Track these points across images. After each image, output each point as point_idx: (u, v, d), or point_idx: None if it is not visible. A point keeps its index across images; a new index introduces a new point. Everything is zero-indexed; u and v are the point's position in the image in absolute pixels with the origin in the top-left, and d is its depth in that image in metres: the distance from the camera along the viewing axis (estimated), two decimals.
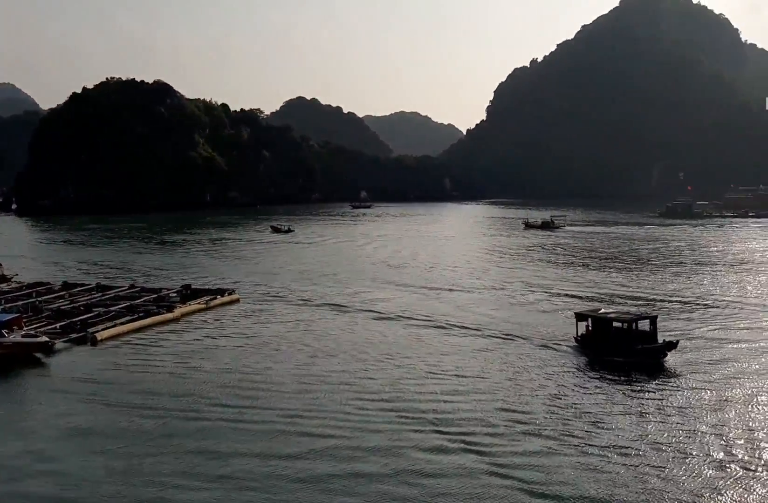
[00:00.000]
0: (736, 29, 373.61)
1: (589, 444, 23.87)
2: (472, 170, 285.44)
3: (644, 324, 35.06)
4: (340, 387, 30.24)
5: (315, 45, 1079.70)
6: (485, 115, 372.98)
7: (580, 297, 52.21)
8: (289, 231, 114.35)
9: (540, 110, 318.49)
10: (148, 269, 69.78)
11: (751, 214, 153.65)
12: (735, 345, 37.36)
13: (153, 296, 49.74)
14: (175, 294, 51.15)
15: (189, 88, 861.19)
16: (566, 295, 53.29)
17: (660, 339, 34.49)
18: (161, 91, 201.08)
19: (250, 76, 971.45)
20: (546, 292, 54.79)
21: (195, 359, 35.14)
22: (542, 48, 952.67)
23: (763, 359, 34.65)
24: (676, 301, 50.72)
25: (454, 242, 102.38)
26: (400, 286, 58.55)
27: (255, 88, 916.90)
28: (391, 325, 43.09)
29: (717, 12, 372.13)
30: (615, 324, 35.17)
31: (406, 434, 24.91)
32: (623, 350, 33.72)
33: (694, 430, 25.13)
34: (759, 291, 55.29)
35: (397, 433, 24.91)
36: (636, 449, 23.40)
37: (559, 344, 37.58)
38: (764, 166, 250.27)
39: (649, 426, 25.56)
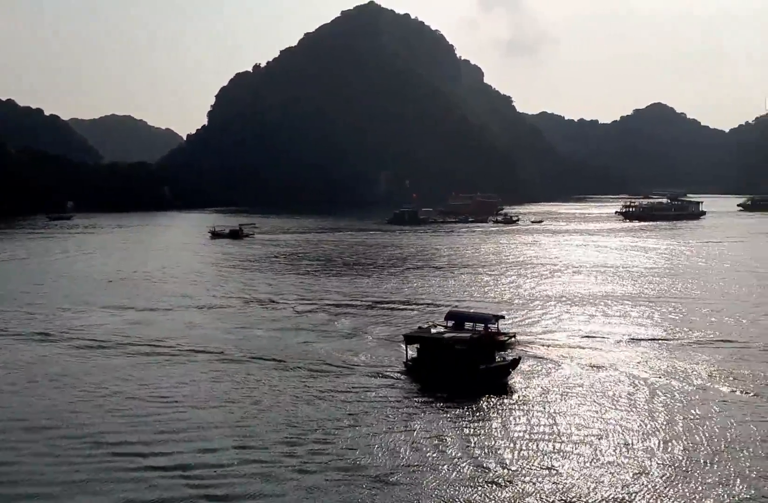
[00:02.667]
0: (452, 45, 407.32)
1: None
2: (195, 177, 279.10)
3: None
4: (39, 430, 26.74)
5: (9, 41, 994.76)
6: (207, 119, 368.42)
7: (336, 306, 52.95)
8: None
9: (264, 116, 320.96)
10: None
11: (470, 220, 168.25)
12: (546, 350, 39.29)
13: None
14: None
15: None
16: (325, 306, 53.36)
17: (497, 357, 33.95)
18: None
19: None
20: (299, 304, 54.16)
21: None
22: (265, 53, 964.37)
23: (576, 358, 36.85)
24: (423, 303, 53.87)
25: (170, 253, 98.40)
26: (120, 307, 54.25)
27: None
28: (113, 354, 39.10)
29: (433, 28, 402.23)
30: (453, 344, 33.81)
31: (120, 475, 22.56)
32: (465, 372, 32.43)
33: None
34: (498, 290, 60.50)
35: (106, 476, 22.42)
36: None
37: (387, 370, 35.22)
38: (480, 174, 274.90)
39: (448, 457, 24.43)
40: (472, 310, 46.63)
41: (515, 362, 33.51)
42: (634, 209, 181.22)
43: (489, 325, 40.34)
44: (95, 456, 24.29)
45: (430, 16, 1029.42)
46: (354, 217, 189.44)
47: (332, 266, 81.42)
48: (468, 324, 40.64)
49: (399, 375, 34.32)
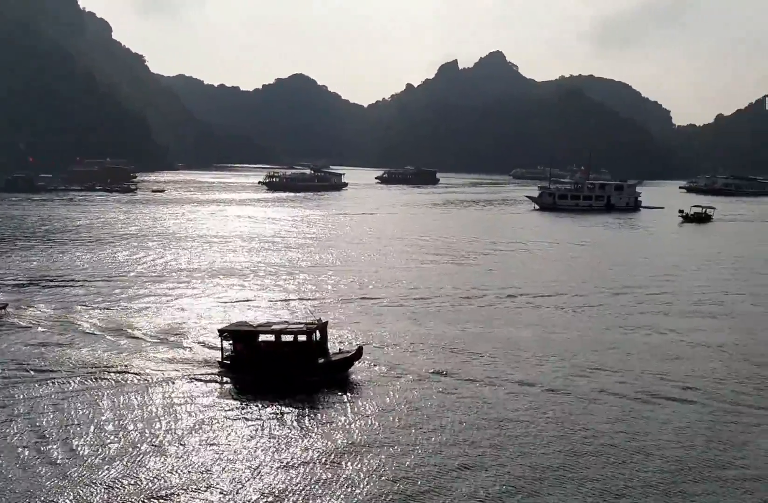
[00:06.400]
0: None
1: None
2: None
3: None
4: None
5: None
6: None
7: None
8: None
9: None
10: None
11: (98, 188, 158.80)
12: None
13: None
14: None
15: None
16: None
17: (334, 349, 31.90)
18: None
19: None
20: None
21: None
22: None
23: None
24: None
25: None
26: None
27: None
28: None
29: None
30: (284, 337, 30.57)
31: None
32: (302, 368, 29.85)
33: None
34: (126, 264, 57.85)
35: None
36: None
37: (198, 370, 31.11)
38: (112, 139, 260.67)
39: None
40: None
41: (359, 351, 31.13)
42: (277, 179, 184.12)
43: None
44: None
45: None
46: None
47: None
48: None
49: (212, 377, 30.55)
